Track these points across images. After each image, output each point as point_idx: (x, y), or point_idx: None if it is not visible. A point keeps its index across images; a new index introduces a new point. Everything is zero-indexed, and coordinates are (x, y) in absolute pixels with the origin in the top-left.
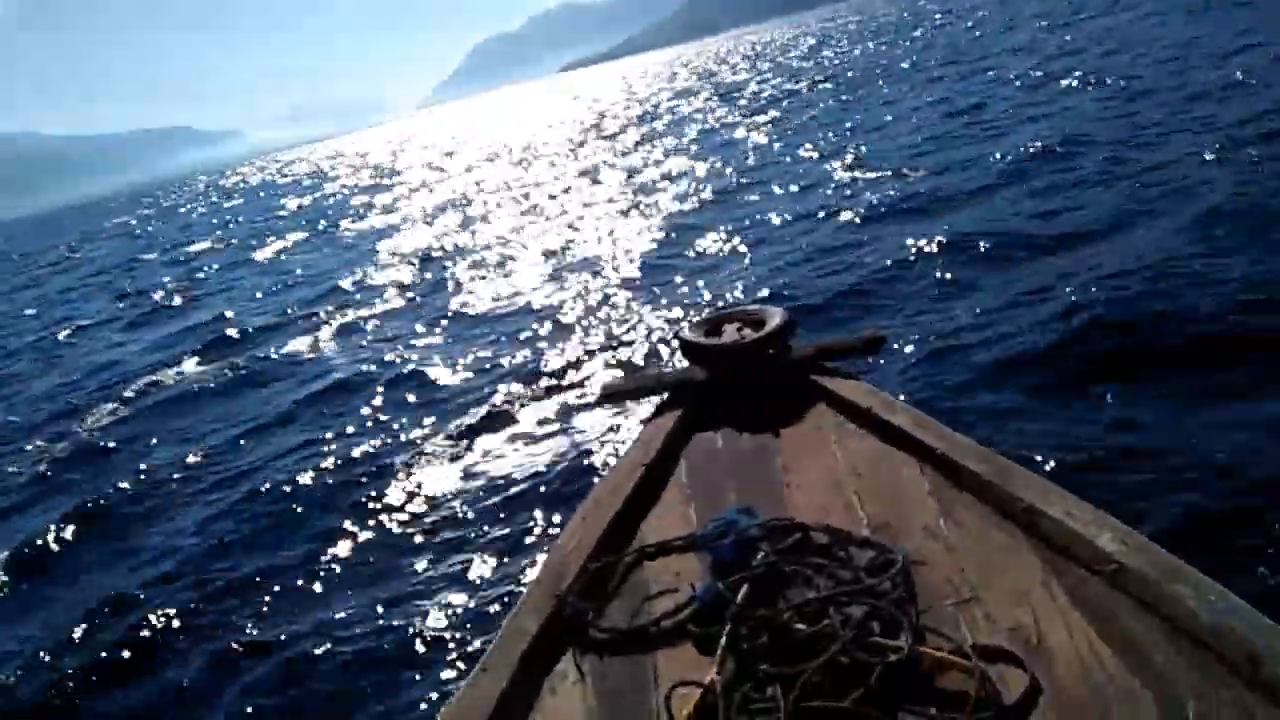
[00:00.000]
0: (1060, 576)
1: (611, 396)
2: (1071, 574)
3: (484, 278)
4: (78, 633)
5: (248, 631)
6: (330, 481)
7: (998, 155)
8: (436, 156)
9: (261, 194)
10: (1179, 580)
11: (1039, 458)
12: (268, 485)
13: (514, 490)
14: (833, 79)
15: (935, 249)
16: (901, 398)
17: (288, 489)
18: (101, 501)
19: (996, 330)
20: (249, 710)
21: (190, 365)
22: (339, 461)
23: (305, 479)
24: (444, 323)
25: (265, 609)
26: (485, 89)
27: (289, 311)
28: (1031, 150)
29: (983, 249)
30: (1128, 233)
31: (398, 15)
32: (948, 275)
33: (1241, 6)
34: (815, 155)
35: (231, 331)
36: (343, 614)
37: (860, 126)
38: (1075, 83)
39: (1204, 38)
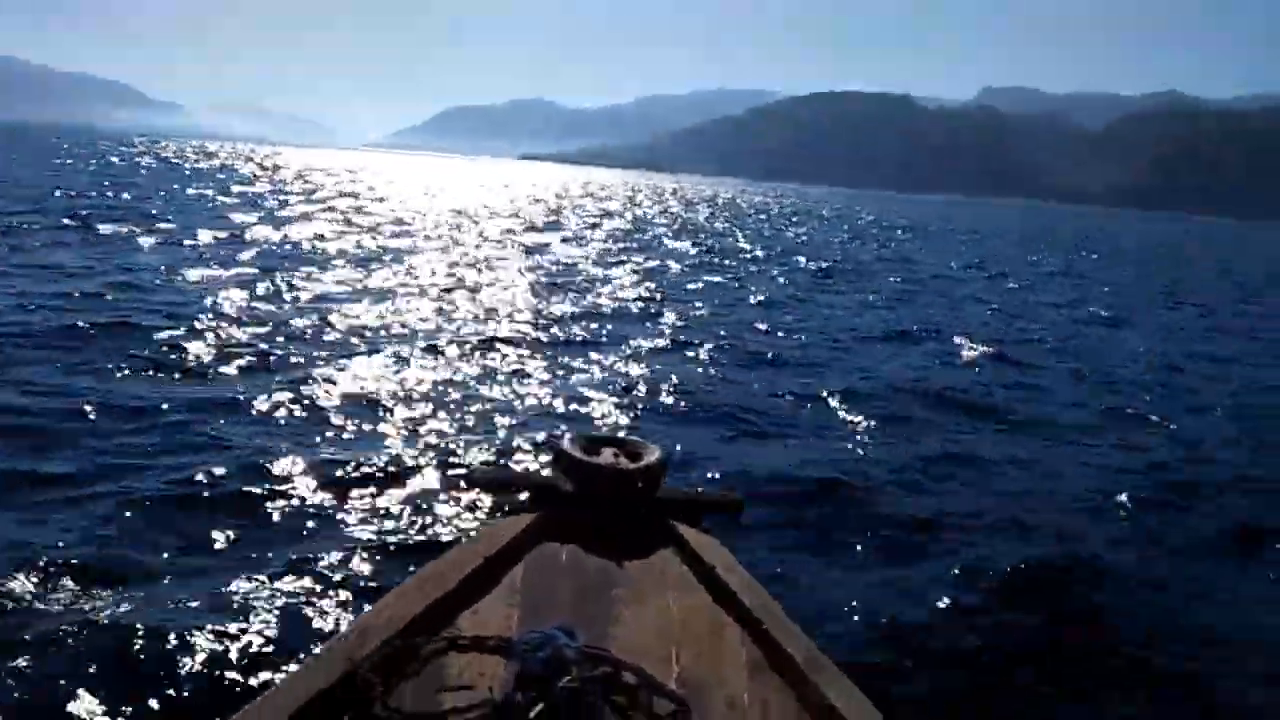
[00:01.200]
0: None
1: (479, 484)
2: None
3: (363, 329)
4: None
5: None
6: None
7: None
8: (363, 190)
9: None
10: None
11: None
12: None
13: (346, 545)
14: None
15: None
16: (749, 555)
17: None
18: None
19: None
20: None
21: None
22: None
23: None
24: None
25: None
26: (442, 152)
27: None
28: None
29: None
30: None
31: (382, 54)
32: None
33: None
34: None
35: None
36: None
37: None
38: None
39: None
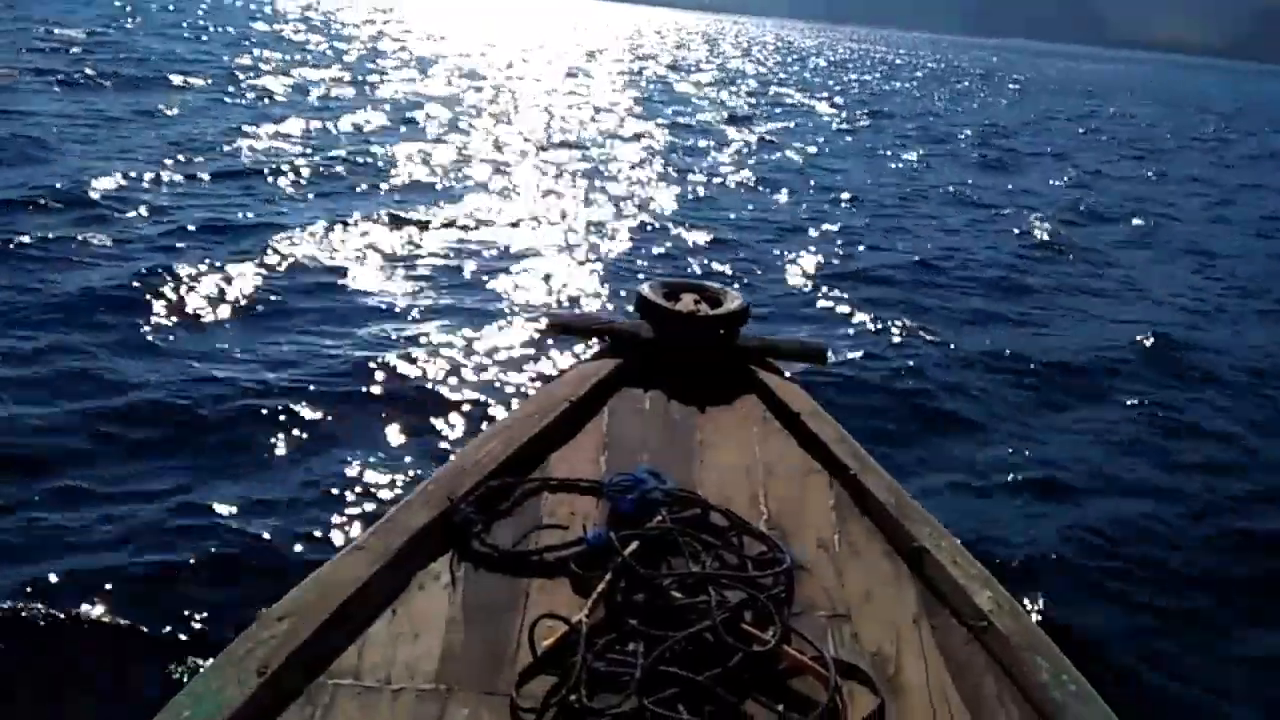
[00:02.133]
0: (931, 618)
1: (557, 327)
2: (942, 620)
3: (451, 175)
4: None
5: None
6: (246, 361)
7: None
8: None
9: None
10: (1039, 653)
11: (942, 500)
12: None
13: (432, 392)
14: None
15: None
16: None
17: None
18: None
19: (947, 365)
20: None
21: None
22: (258, 348)
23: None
24: (395, 212)
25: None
26: None
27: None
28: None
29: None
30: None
31: None
32: (914, 301)
33: None
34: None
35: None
36: (232, 493)
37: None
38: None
39: None
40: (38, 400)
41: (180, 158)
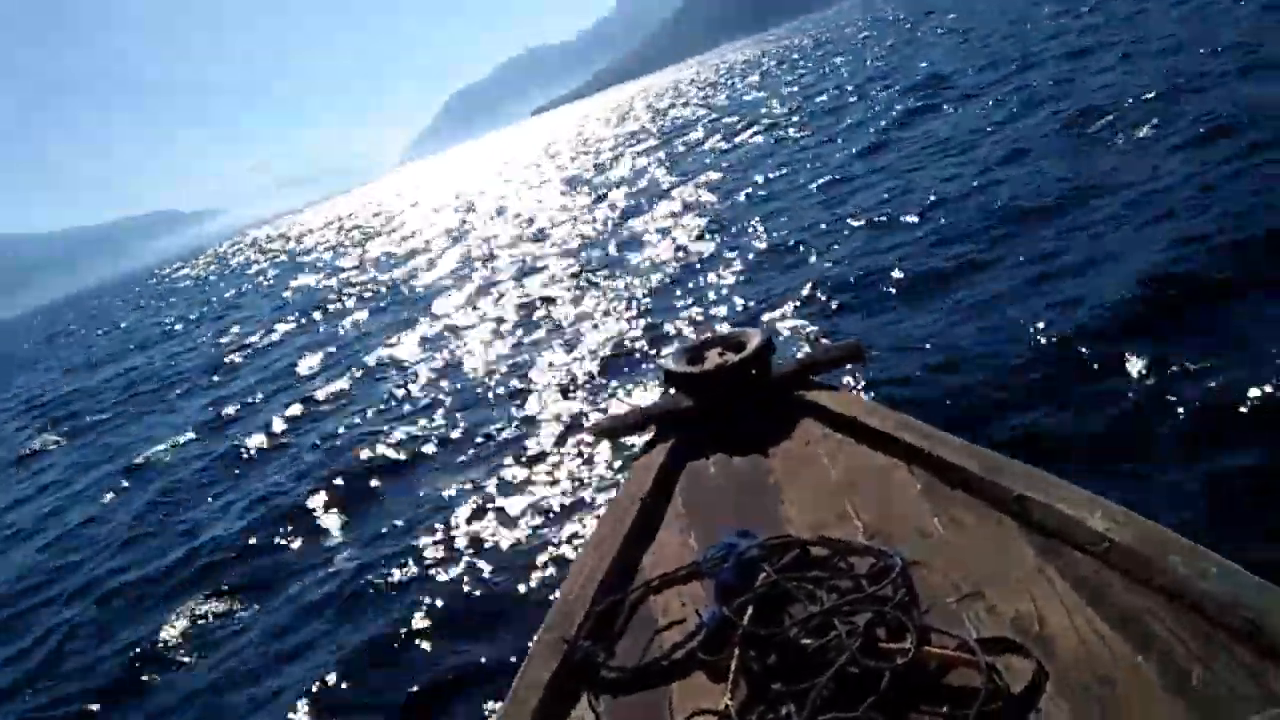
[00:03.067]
0: (1055, 561)
1: (602, 434)
2: (1066, 557)
3: (467, 325)
4: None
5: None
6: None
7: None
8: (400, 211)
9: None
10: (1172, 551)
11: (1024, 447)
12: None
13: (514, 539)
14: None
15: (895, 260)
16: (883, 403)
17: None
18: None
19: (968, 331)
20: None
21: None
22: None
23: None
24: (428, 373)
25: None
26: (460, 140)
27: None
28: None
29: (944, 261)
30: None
31: (369, 73)
32: (914, 286)
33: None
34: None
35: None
36: (345, 671)
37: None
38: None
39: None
40: None
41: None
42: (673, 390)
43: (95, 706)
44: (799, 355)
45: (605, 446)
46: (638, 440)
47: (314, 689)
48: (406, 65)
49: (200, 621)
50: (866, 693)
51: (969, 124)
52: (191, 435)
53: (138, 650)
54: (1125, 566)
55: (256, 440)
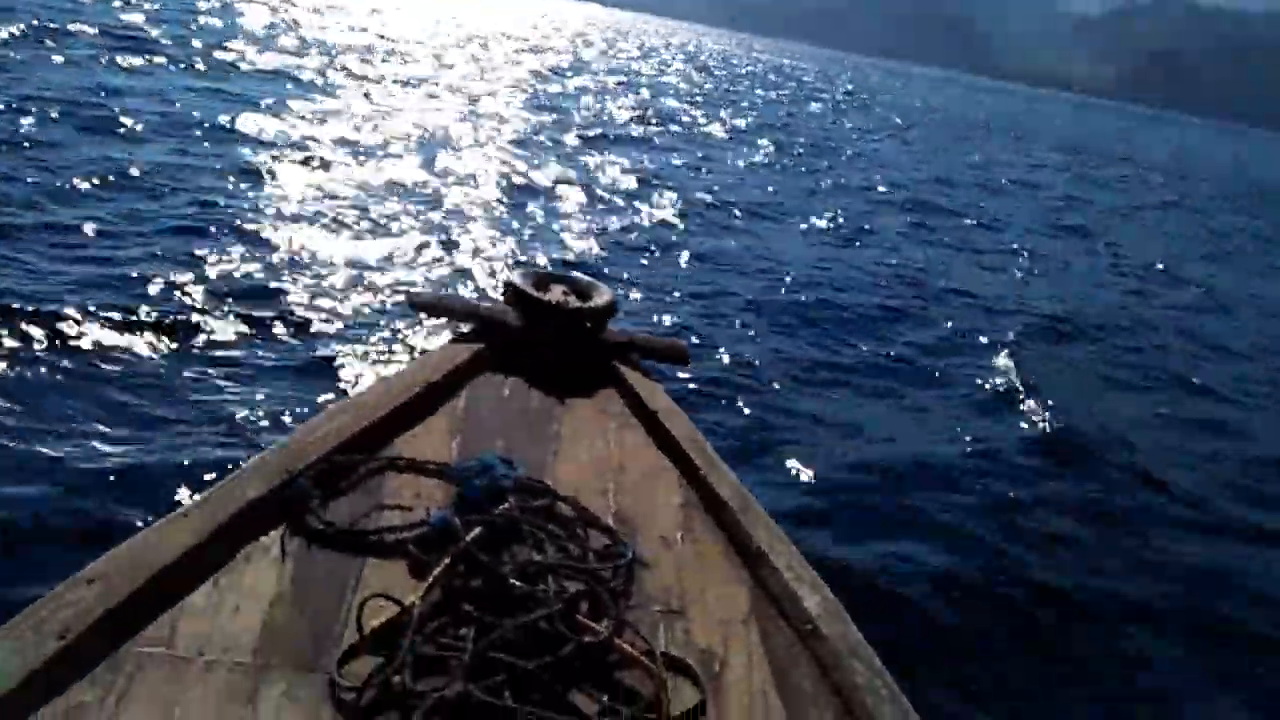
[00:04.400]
0: (761, 621)
1: (419, 306)
2: (772, 622)
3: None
4: None
5: None
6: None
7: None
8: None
9: None
10: (859, 658)
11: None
12: None
13: (281, 363)
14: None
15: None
16: (688, 409)
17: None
18: None
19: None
20: None
21: None
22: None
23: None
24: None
25: None
26: None
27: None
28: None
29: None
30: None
31: None
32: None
33: None
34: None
35: None
36: (45, 452)
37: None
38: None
39: None
40: None
41: None
42: (505, 303)
43: None
44: (631, 331)
45: (415, 321)
46: (446, 332)
47: None
48: None
49: None
50: (544, 652)
51: None
52: None
53: None
54: (817, 653)
55: None
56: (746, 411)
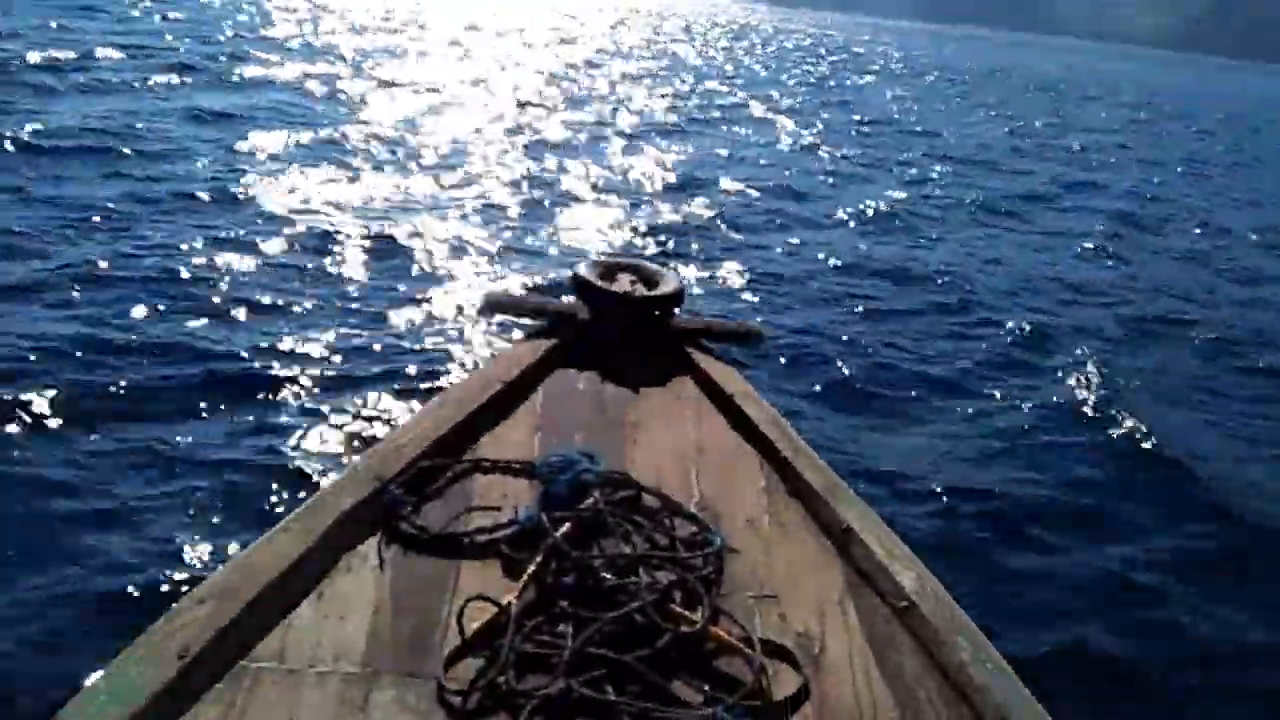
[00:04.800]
0: (856, 599)
1: (492, 307)
2: (867, 600)
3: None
4: None
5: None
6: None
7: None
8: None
9: None
10: (959, 633)
11: (871, 481)
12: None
13: (365, 372)
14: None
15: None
16: (764, 394)
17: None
18: None
19: (880, 353)
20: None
21: None
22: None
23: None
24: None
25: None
26: None
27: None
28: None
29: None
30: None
31: None
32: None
33: None
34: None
35: None
36: (151, 476)
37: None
38: None
39: None
40: None
41: None
42: (574, 298)
43: None
44: (704, 317)
45: (489, 320)
46: (524, 329)
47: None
48: None
49: None
50: (642, 645)
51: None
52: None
53: None
54: (915, 630)
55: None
56: (821, 395)
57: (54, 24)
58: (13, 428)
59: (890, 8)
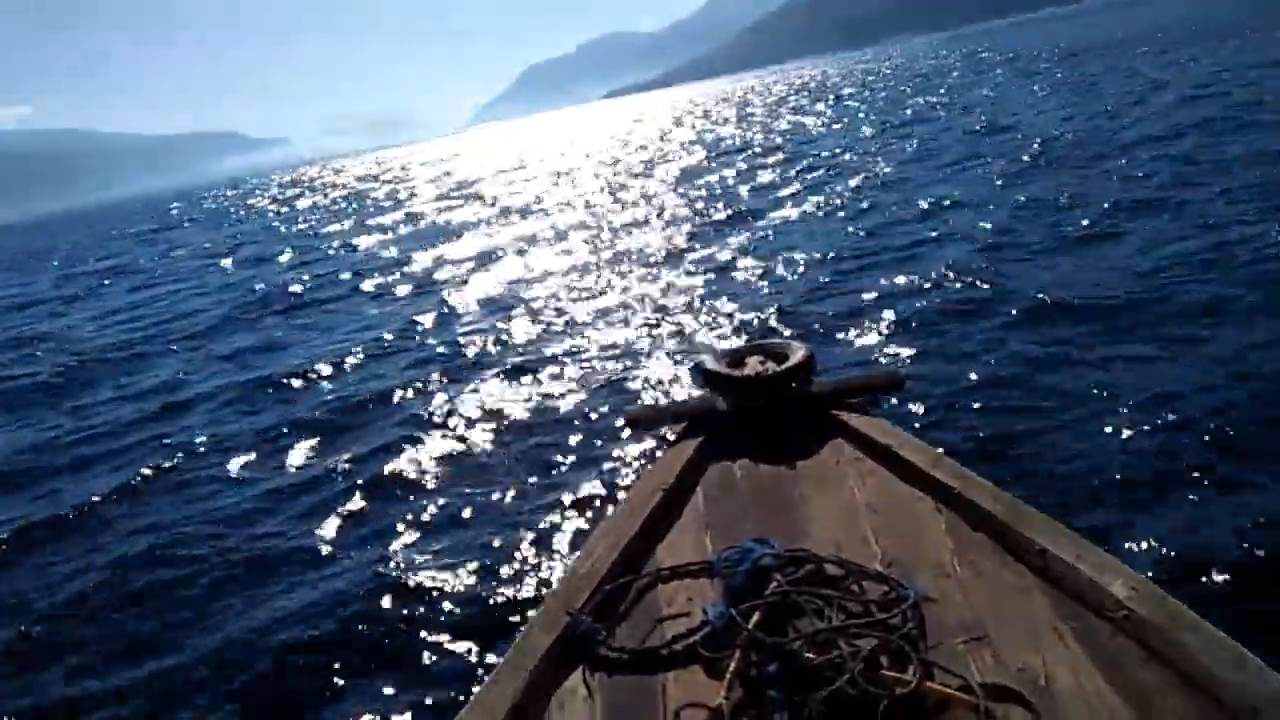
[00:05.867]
0: (1070, 620)
1: (635, 423)
2: (1081, 618)
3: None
4: None
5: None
6: (354, 481)
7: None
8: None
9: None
10: (1188, 630)
11: (1052, 498)
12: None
13: (535, 505)
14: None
15: (944, 293)
16: (918, 437)
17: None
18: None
19: (1015, 377)
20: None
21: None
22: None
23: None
24: (472, 339)
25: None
26: (530, 112)
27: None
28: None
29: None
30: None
31: (448, 33)
32: (969, 322)
33: None
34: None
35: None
36: (342, 610)
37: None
38: None
39: None
40: None
41: None
42: (708, 391)
43: None
44: (840, 377)
45: (635, 435)
46: (668, 435)
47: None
48: (487, 26)
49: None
50: (861, 716)
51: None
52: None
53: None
54: (1140, 638)
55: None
56: (969, 427)
57: None
58: None
59: (901, 29)
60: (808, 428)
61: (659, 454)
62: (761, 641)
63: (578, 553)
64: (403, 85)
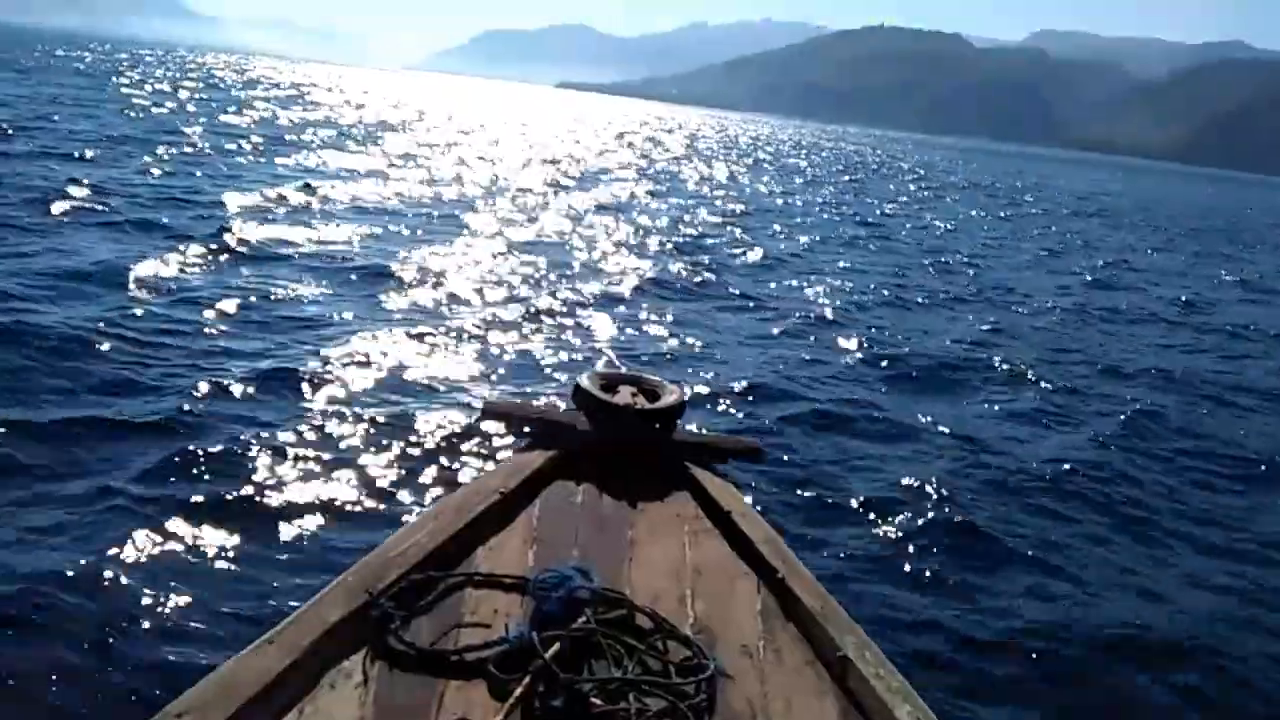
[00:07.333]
0: None
1: (494, 415)
2: None
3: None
4: None
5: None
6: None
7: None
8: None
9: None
10: None
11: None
12: None
13: (358, 475)
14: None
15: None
16: (760, 508)
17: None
18: None
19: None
20: None
21: None
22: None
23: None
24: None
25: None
26: (480, 76)
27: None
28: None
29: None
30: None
31: None
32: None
33: None
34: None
35: None
36: (130, 577)
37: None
38: None
39: None
40: None
41: None
42: (575, 407)
43: None
44: (703, 431)
45: (488, 428)
46: (523, 438)
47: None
48: None
49: None
50: None
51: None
52: None
53: None
54: None
55: None
56: (818, 512)
57: None
58: None
59: (895, 119)
60: (660, 473)
61: (505, 456)
62: (555, 674)
63: (393, 533)
64: (347, 4)
